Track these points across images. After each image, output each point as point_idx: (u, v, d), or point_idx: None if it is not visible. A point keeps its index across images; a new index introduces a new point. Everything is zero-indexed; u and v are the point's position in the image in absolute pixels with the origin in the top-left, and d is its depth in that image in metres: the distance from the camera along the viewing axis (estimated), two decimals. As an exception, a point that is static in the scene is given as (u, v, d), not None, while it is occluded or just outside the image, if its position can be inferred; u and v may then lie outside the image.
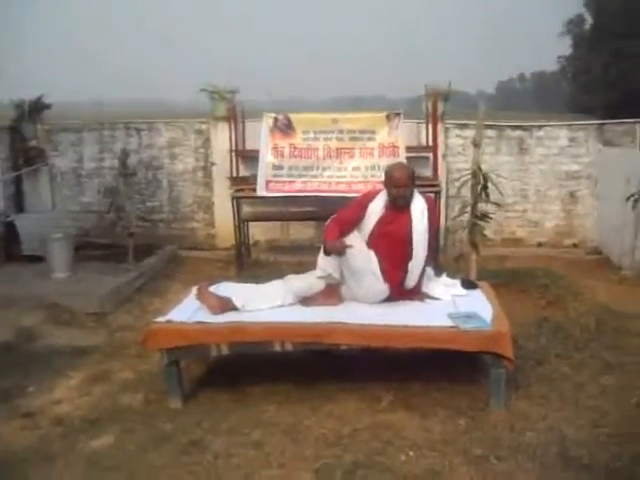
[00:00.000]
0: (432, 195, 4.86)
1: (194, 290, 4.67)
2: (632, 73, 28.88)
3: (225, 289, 4.67)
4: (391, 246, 4.38)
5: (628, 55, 29.83)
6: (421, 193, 4.62)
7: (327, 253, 4.32)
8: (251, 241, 8.36)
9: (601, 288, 6.68)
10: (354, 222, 4.45)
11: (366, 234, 4.45)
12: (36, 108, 8.78)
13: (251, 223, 8.16)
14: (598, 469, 3.39)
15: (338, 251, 4.26)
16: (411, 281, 4.47)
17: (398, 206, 4.44)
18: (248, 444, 3.67)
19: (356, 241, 4.37)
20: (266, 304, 4.37)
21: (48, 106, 8.93)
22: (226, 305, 4.31)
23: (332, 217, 4.51)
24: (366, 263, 4.36)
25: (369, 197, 4.59)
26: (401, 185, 4.41)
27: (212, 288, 4.64)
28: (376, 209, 4.48)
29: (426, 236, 4.46)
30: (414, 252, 4.40)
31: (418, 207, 4.46)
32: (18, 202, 8.61)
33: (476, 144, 6.03)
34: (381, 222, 4.45)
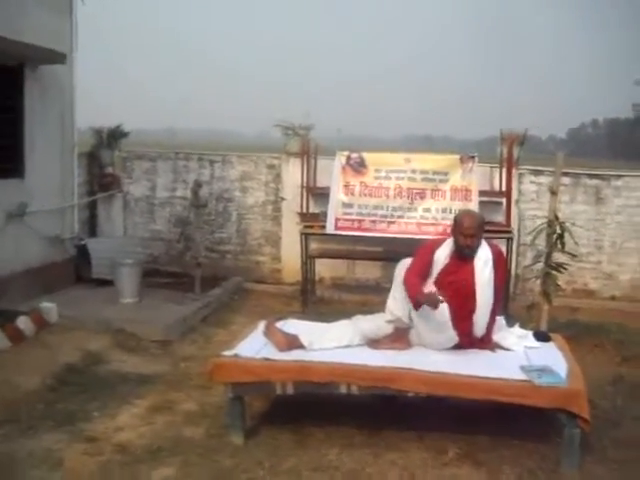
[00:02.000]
0: (498, 244, 4.70)
1: (261, 325, 4.65)
2: None
3: (292, 326, 4.64)
4: (455, 296, 4.27)
5: None
6: (488, 242, 4.48)
7: (418, 307, 4.21)
8: (317, 277, 8.33)
9: (681, 347, 6.37)
10: (427, 270, 4.38)
11: (432, 280, 4.36)
12: (114, 136, 9.03)
13: (317, 260, 8.15)
14: None
15: (434, 303, 4.10)
16: (479, 331, 4.34)
17: (463, 255, 4.33)
18: (309, 488, 3.60)
19: (429, 286, 4.30)
20: (333, 344, 4.32)
21: (125, 134, 9.17)
22: (293, 343, 4.27)
23: (406, 270, 4.39)
24: (436, 309, 4.26)
25: (436, 244, 4.50)
26: (469, 235, 4.30)
27: (279, 324, 4.61)
28: (442, 256, 4.39)
29: (491, 287, 4.32)
30: (478, 304, 4.27)
31: (482, 257, 4.33)
32: (91, 226, 8.83)
33: (553, 192, 5.88)
34: (445, 271, 4.36)
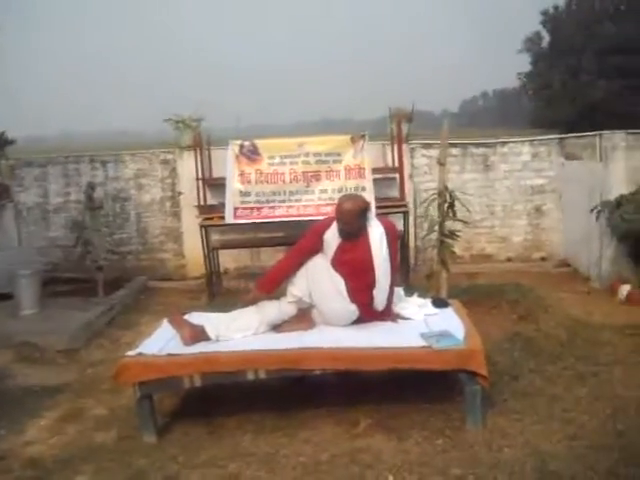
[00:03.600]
0: (390, 219, 4.79)
1: (165, 322, 4.61)
2: (589, 88, 29.58)
3: (196, 318, 4.60)
4: (353, 273, 4.35)
5: (584, 71, 30.64)
6: (379, 218, 4.56)
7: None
8: (221, 269, 8.31)
9: (570, 300, 6.76)
10: (312, 252, 4.45)
11: (328, 260, 4.43)
12: (-1, 144, 8.68)
13: (221, 251, 8.13)
14: (576, 482, 3.40)
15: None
16: (379, 305, 4.43)
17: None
18: (225, 476, 3.63)
19: (322, 263, 4.39)
20: (239, 334, 4.33)
21: (11, 142, 8.84)
22: (199, 336, 4.26)
23: (289, 251, 4.60)
24: (332, 285, 4.34)
25: (323, 226, 4.50)
26: (339, 220, 4.37)
27: (185, 317, 4.59)
28: (332, 238, 4.43)
29: (388, 261, 4.40)
30: (377, 278, 4.34)
31: (376, 233, 4.39)
32: (-17, 240, 8.49)
33: (441, 163, 6.08)
34: (339, 250, 4.41)
